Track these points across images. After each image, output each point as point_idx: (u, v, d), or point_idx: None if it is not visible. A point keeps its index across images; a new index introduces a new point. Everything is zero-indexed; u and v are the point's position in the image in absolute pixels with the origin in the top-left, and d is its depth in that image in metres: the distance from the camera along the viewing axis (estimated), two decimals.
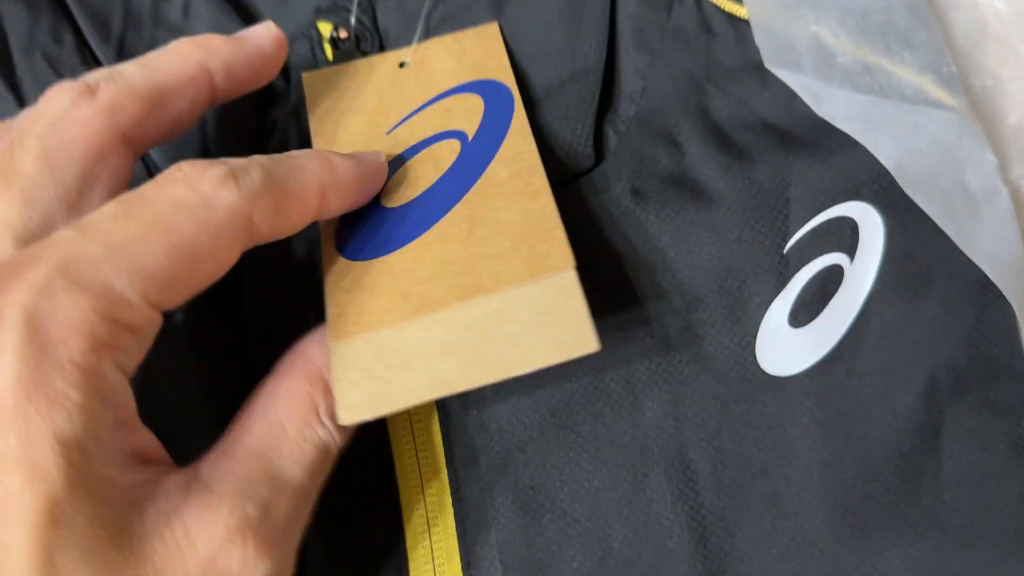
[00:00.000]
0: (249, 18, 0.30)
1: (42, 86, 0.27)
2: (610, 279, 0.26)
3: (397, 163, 0.26)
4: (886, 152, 0.25)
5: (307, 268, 0.27)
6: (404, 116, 0.27)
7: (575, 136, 0.27)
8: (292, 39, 0.29)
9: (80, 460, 0.17)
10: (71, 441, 0.17)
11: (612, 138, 0.28)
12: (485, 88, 0.27)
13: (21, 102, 0.28)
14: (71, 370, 0.17)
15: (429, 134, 0.26)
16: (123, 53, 0.29)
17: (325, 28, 0.29)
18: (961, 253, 0.24)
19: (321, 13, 0.29)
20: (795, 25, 0.27)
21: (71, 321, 0.17)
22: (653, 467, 0.24)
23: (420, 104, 0.27)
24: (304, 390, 0.21)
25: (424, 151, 0.26)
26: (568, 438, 0.25)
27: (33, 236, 0.20)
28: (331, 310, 0.22)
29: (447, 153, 0.26)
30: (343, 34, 0.29)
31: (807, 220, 0.25)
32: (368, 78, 0.28)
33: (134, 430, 0.19)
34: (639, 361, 0.25)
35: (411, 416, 0.25)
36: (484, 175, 0.25)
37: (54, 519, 0.16)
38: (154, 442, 0.20)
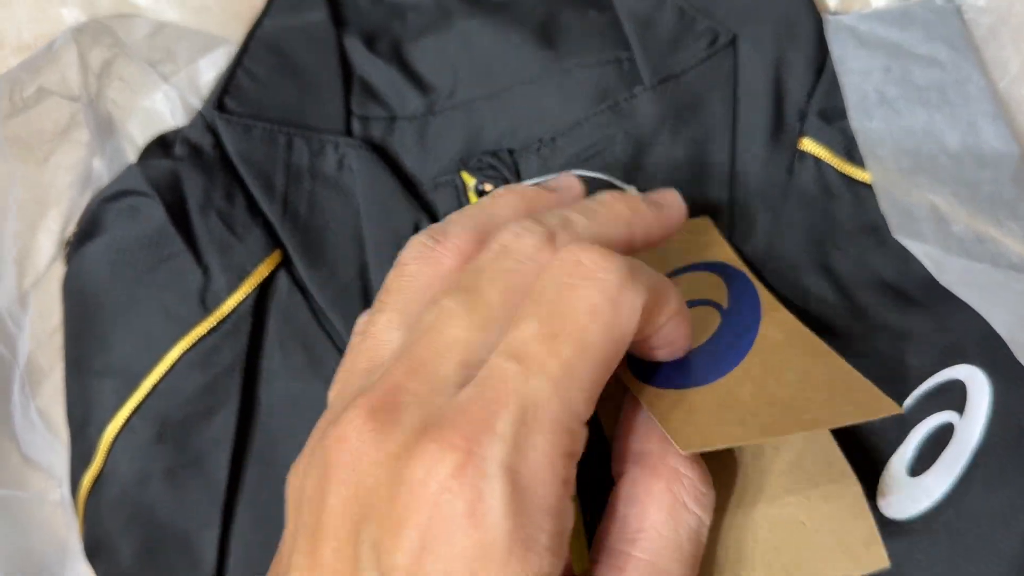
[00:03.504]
0: (395, 167, 0.33)
1: (217, 243, 0.31)
2: None
3: None
4: (1000, 321, 0.28)
5: None
6: None
7: None
8: (436, 185, 0.32)
9: None
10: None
11: None
12: (718, 269, 0.29)
13: (199, 258, 0.31)
14: (544, 517, 0.18)
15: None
16: (287, 208, 0.32)
17: (469, 179, 0.32)
18: None
19: (465, 166, 0.32)
20: (914, 193, 0.30)
21: (541, 469, 0.18)
22: None
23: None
24: (664, 487, 0.22)
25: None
26: None
27: (476, 364, 0.20)
28: (667, 425, 0.23)
29: (709, 316, 0.27)
30: (487, 187, 0.32)
31: (922, 381, 0.29)
32: None
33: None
34: None
35: None
36: (758, 337, 0.27)
37: None
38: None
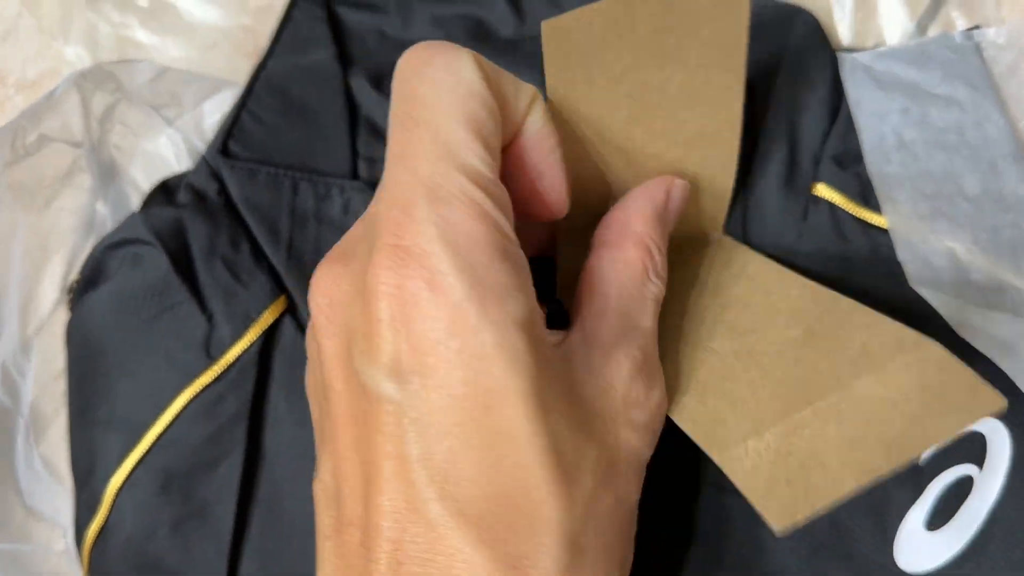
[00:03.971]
0: None
1: (222, 291, 0.30)
2: None
3: None
4: (1021, 374, 0.27)
5: None
6: None
7: None
8: None
9: (536, 334, 0.21)
10: (524, 322, 0.20)
11: None
12: None
13: (203, 306, 0.31)
14: (495, 264, 0.20)
15: None
16: (292, 253, 0.32)
17: None
18: None
19: None
20: (931, 240, 0.29)
21: (469, 227, 0.20)
22: None
23: None
24: (638, 256, 0.25)
25: None
26: None
27: None
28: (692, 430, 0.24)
29: None
30: None
31: None
32: None
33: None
34: (787, 556, 0.29)
35: None
36: None
37: (538, 393, 0.20)
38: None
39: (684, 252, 0.30)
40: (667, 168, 0.28)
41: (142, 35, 0.38)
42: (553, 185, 0.25)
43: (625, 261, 0.25)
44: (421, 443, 0.20)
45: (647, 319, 0.25)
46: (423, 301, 0.20)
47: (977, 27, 0.34)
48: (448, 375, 0.20)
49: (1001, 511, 0.27)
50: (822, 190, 0.31)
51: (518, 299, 0.20)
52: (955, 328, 0.28)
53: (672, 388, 0.26)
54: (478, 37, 0.35)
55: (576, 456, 0.21)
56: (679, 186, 0.28)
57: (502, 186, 0.22)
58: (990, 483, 0.28)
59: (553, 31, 0.25)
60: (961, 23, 0.36)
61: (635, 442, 0.23)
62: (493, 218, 0.21)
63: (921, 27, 0.36)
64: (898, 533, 0.28)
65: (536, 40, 0.34)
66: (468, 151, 0.21)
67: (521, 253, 0.22)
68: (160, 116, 0.33)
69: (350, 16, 0.36)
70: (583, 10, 0.25)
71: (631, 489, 0.23)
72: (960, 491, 0.28)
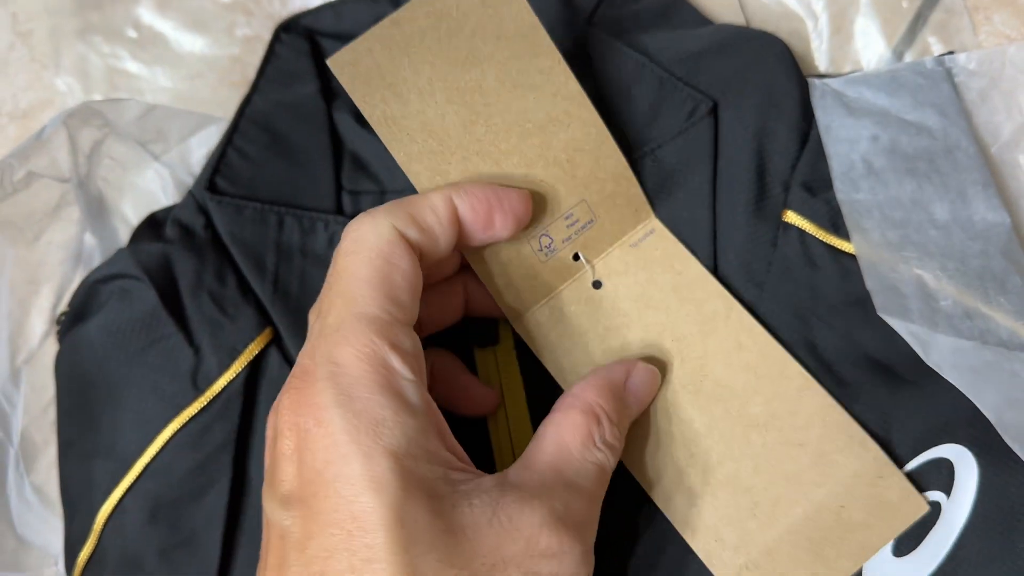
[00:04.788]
0: None
1: (208, 324, 0.31)
2: None
3: None
4: (989, 404, 0.28)
5: None
6: None
7: None
8: None
9: (410, 465, 0.22)
10: (399, 451, 0.22)
11: None
12: None
13: (190, 339, 0.31)
14: (376, 397, 0.22)
15: None
16: (278, 286, 0.32)
17: None
18: None
19: None
20: (900, 268, 0.30)
21: (355, 364, 0.23)
22: None
23: None
24: (583, 421, 0.26)
25: None
26: None
27: None
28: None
29: None
30: None
31: (908, 460, 0.29)
32: None
33: (447, 435, 0.24)
34: None
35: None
36: None
37: (401, 522, 0.21)
38: (460, 449, 0.25)
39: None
40: (538, 161, 0.29)
41: (132, 66, 0.39)
42: (515, 225, 0.29)
43: (570, 424, 0.26)
44: (298, 569, 0.22)
45: (586, 481, 0.25)
46: (311, 436, 0.22)
47: (951, 53, 0.35)
48: (324, 502, 0.22)
49: (968, 537, 0.28)
50: (792, 217, 0.32)
51: (394, 433, 0.22)
52: (923, 356, 0.29)
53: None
54: None
55: None
56: (641, 368, 0.29)
57: (407, 329, 0.25)
58: (957, 510, 0.28)
59: (341, 67, 0.27)
60: (937, 48, 0.36)
61: None
62: (381, 357, 0.23)
63: (897, 53, 0.36)
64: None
65: None
66: (369, 302, 0.24)
67: (416, 389, 0.24)
68: (147, 151, 0.34)
69: (333, 48, 0.36)
70: (360, 39, 0.27)
71: None
72: (928, 518, 0.28)
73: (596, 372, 0.28)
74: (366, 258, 0.25)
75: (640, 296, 0.31)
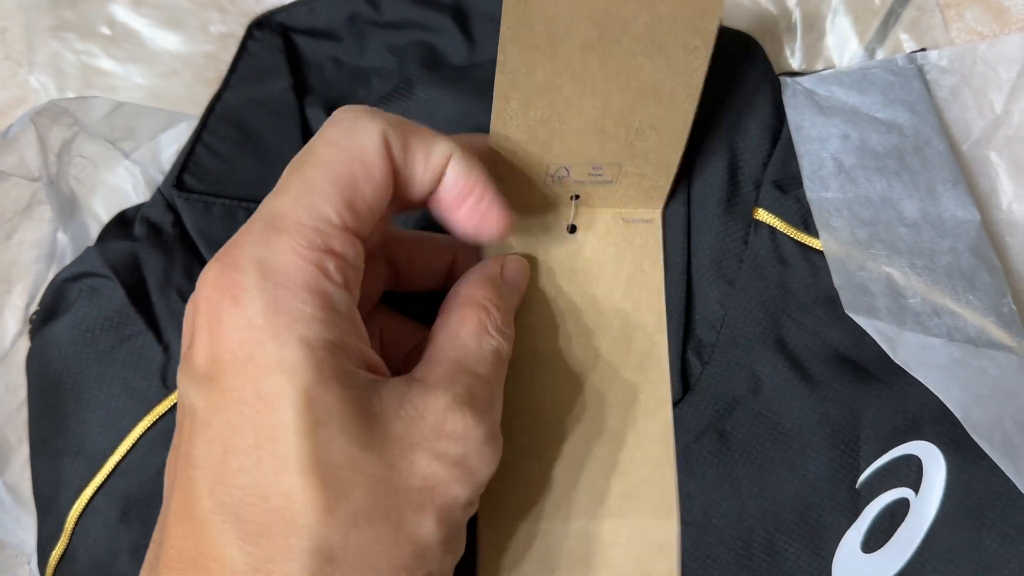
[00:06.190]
0: None
1: (177, 321, 0.31)
2: (702, 511, 0.29)
3: None
4: (956, 401, 0.28)
5: None
6: None
7: None
8: None
9: (325, 356, 0.22)
10: (315, 342, 0.22)
11: (696, 366, 0.31)
12: None
13: (159, 337, 0.31)
14: (300, 293, 0.22)
15: None
16: None
17: None
18: (1018, 489, 0.27)
19: None
20: (869, 266, 0.30)
21: (288, 257, 0.22)
22: None
23: None
24: (474, 313, 0.27)
25: None
26: None
27: None
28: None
29: None
30: None
31: (877, 457, 0.29)
32: None
33: (366, 343, 0.24)
34: None
35: None
36: None
37: (311, 403, 0.21)
38: (379, 360, 0.25)
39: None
40: (614, 114, 0.28)
41: (106, 63, 0.39)
42: (475, 231, 0.27)
43: (461, 318, 0.27)
44: (203, 445, 0.22)
45: (483, 367, 0.26)
46: (227, 314, 0.22)
47: (923, 50, 0.35)
48: (232, 380, 0.22)
49: (937, 533, 0.28)
50: (763, 215, 0.32)
51: (312, 327, 0.22)
52: (890, 354, 0.29)
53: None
54: (430, 64, 0.35)
55: (351, 471, 0.22)
56: (511, 260, 0.30)
57: (353, 240, 0.24)
58: (926, 506, 0.28)
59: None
60: (909, 46, 0.36)
61: (440, 473, 0.23)
62: (318, 258, 0.23)
63: (870, 50, 0.36)
64: (835, 556, 0.29)
65: (486, 67, 0.35)
66: (326, 201, 0.23)
67: (344, 297, 0.23)
68: (117, 149, 0.34)
69: (307, 44, 0.36)
70: None
71: (425, 525, 0.23)
72: (896, 514, 0.29)
73: (472, 270, 0.29)
74: (343, 156, 0.24)
75: (596, 264, 0.31)
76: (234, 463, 0.21)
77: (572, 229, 0.31)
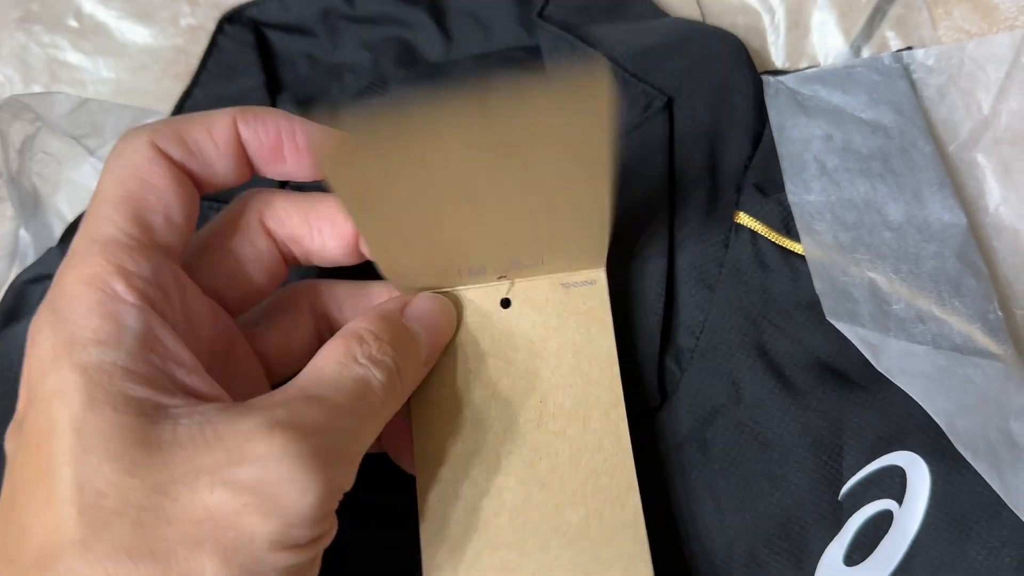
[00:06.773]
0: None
1: None
2: (682, 524, 0.29)
3: None
4: (941, 410, 0.27)
5: None
6: None
7: (643, 376, 0.30)
8: None
9: (103, 379, 0.21)
10: (90, 366, 0.21)
11: (675, 372, 0.30)
12: None
13: None
14: (83, 319, 0.21)
15: None
16: None
17: None
18: (1003, 500, 0.26)
19: None
20: (852, 271, 0.29)
21: (73, 288, 0.22)
22: None
23: None
24: (342, 343, 0.24)
25: None
26: None
27: None
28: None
29: None
30: None
31: (860, 468, 0.28)
32: None
33: (181, 363, 0.22)
34: None
35: None
36: None
37: (79, 430, 0.20)
38: (214, 388, 0.23)
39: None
40: (521, 222, 0.25)
41: (72, 56, 0.38)
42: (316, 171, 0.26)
43: (329, 348, 0.24)
44: (7, 486, 0.21)
45: (338, 395, 0.23)
46: (28, 357, 0.22)
47: (909, 48, 0.34)
48: (27, 418, 0.21)
49: (921, 545, 0.27)
50: (744, 218, 0.31)
51: (88, 350, 0.21)
52: (873, 362, 0.28)
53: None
54: (406, 61, 0.34)
55: (117, 502, 0.20)
56: (423, 297, 0.27)
57: (148, 253, 0.23)
58: (909, 517, 0.27)
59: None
60: (896, 44, 0.35)
61: (228, 502, 0.20)
62: (103, 280, 0.22)
63: (855, 48, 0.35)
64: (817, 569, 0.28)
65: (464, 64, 0.34)
66: (109, 225, 0.23)
67: (138, 314, 0.22)
68: (82, 146, 0.33)
69: (279, 40, 0.35)
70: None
71: (202, 564, 0.20)
72: (879, 526, 0.28)
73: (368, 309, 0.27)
74: (119, 177, 0.23)
75: (538, 339, 0.28)
76: (20, 500, 0.21)
77: (506, 303, 0.28)
